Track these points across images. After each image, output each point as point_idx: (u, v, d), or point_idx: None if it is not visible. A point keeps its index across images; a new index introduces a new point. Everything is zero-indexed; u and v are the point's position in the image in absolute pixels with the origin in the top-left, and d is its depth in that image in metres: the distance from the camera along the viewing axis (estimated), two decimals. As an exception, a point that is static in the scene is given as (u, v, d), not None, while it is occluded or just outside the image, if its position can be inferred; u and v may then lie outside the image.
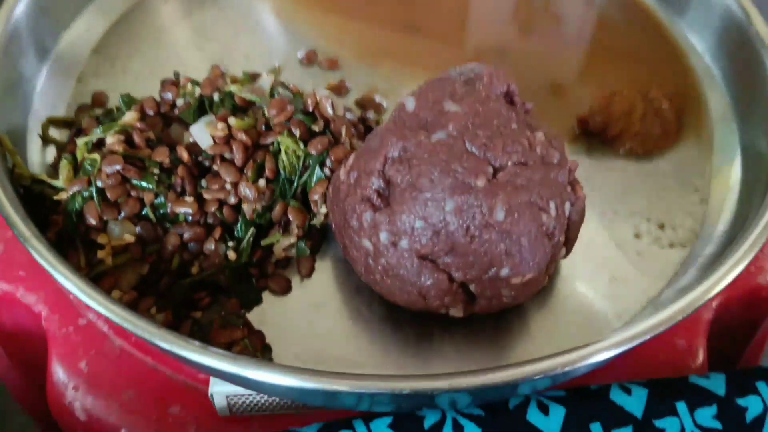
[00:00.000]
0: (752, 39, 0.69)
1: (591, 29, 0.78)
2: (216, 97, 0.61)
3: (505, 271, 0.50)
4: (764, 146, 0.65)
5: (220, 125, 0.57)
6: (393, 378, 0.46)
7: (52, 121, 0.67)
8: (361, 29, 0.78)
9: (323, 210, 0.58)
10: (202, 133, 0.57)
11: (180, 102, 0.61)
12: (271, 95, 0.62)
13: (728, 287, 0.52)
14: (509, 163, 0.50)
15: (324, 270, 0.59)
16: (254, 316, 0.56)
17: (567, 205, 0.53)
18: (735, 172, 0.67)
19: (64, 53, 0.74)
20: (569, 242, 0.55)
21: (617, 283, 0.60)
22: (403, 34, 0.78)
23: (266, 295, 0.58)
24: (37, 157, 0.65)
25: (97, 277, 0.54)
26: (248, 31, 0.77)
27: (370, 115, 0.68)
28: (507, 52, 0.77)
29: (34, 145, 0.66)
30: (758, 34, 0.68)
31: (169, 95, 0.60)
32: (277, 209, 0.57)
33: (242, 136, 0.57)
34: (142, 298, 0.55)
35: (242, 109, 0.61)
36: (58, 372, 0.57)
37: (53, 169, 0.63)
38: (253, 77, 0.65)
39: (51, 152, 0.66)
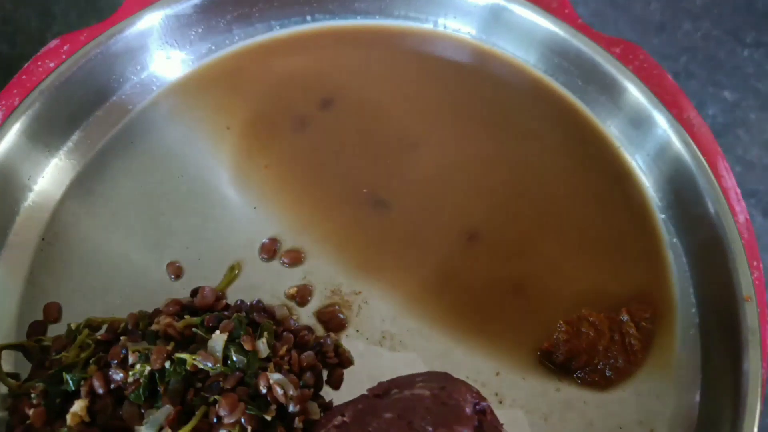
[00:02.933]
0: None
1: (577, 221, 0.74)
2: (168, 364, 0.60)
3: None
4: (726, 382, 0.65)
5: (169, 435, 0.56)
6: None
7: (3, 348, 0.66)
8: (328, 207, 0.74)
9: None
10: (151, 444, 0.56)
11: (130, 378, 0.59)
12: (224, 361, 0.61)
13: None
14: None
15: None
16: None
17: None
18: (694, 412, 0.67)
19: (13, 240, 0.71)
20: None
21: None
22: (372, 212, 0.74)
23: None
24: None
25: None
26: (214, 217, 0.74)
27: (329, 340, 0.67)
28: (479, 235, 0.73)
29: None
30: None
31: (118, 376, 0.59)
32: None
33: (191, 446, 0.57)
34: None
35: (194, 373, 0.60)
36: None
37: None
38: (208, 329, 0.63)
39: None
